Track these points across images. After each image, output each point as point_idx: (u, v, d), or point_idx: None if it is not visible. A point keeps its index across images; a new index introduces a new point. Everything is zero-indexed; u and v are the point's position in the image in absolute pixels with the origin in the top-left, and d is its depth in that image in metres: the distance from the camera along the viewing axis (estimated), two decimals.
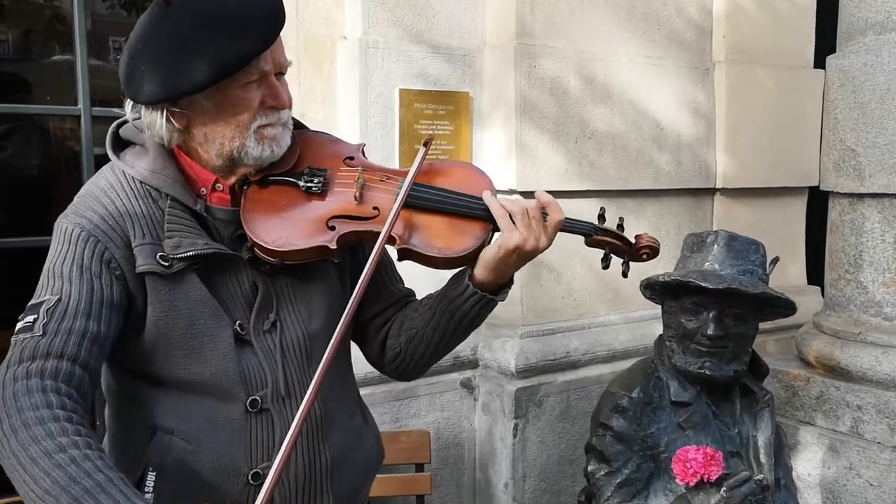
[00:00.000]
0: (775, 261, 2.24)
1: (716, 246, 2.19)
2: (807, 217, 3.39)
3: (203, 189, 1.30)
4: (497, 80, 2.61)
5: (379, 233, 1.28)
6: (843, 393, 2.52)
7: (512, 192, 2.61)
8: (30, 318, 1.16)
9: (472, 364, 2.68)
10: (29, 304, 1.19)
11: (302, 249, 1.28)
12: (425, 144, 1.42)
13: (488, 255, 1.32)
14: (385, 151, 2.49)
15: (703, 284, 2.08)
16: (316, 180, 1.33)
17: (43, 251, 1.26)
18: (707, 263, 2.17)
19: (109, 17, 3.60)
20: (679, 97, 2.91)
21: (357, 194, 1.32)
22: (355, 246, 1.38)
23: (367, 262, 1.27)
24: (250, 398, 1.27)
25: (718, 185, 3.03)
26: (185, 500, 1.23)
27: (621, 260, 1.48)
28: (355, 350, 1.53)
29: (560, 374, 2.65)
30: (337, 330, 1.19)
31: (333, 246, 1.28)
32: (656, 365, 2.25)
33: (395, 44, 2.49)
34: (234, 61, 1.19)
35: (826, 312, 2.70)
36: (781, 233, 3.22)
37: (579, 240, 2.74)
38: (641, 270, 2.00)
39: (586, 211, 2.67)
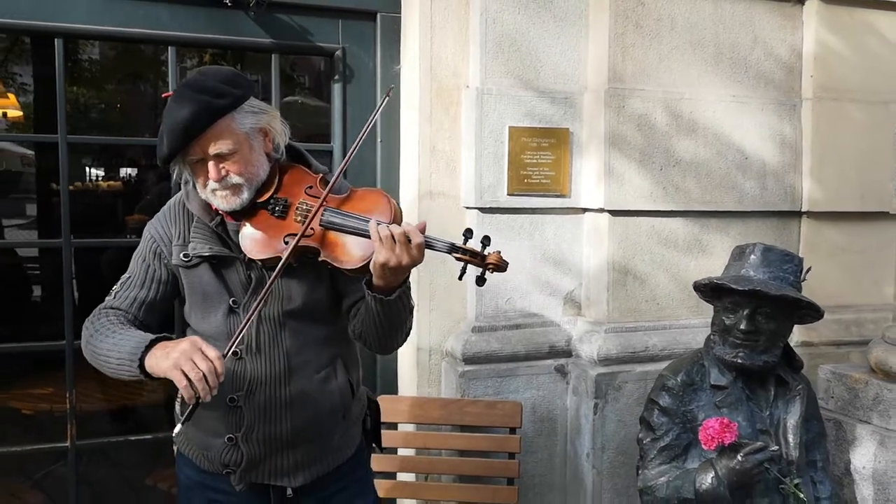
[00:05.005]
0: (807, 270, 2.61)
1: (753, 256, 2.60)
2: None
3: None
4: (592, 118, 3.15)
5: (314, 247, 1.87)
6: (895, 394, 2.79)
7: (602, 210, 3.12)
8: (115, 287, 2.03)
9: (567, 353, 3.20)
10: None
11: (267, 258, 1.90)
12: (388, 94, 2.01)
13: (372, 266, 1.80)
14: (495, 176, 3.09)
15: (732, 286, 2.51)
16: (278, 207, 1.92)
17: None
18: (743, 270, 2.59)
19: None
20: (764, 130, 3.29)
21: (298, 218, 1.90)
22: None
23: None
24: (234, 349, 1.91)
25: (804, 209, 3.36)
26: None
27: (479, 270, 1.87)
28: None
29: (639, 366, 3.11)
30: (260, 295, 1.83)
31: (284, 256, 1.83)
32: (702, 354, 2.69)
33: (507, 90, 3.09)
34: (163, 156, 1.87)
35: (890, 324, 2.97)
36: (877, 255, 3.47)
37: (664, 253, 3.28)
38: None
39: (669, 228, 3.14)
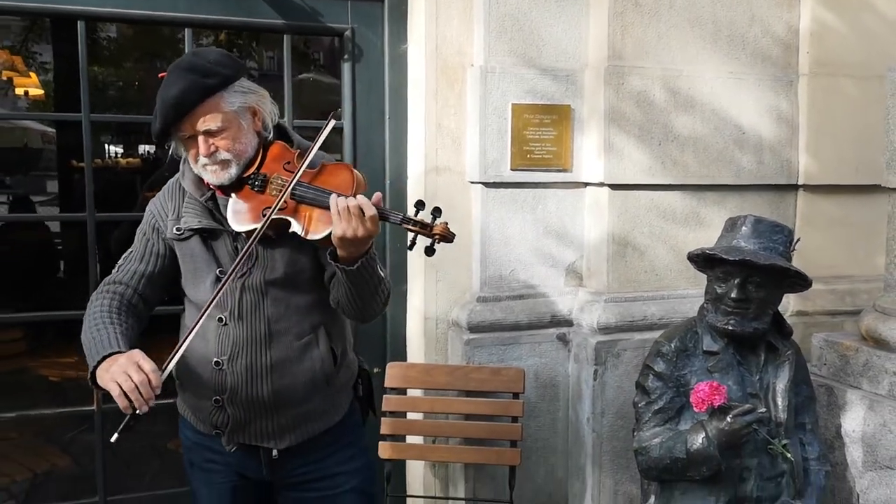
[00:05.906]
0: (797, 241, 2.71)
1: (744, 227, 2.69)
2: None
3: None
4: (593, 95, 3.25)
5: (286, 219, 1.98)
6: (884, 361, 2.90)
7: (602, 184, 3.23)
8: (119, 261, 2.16)
9: (569, 323, 3.33)
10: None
11: (248, 230, 2.01)
12: (333, 118, 2.07)
13: (332, 238, 1.89)
14: (499, 152, 3.21)
15: (724, 256, 2.61)
16: (257, 182, 2.03)
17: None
18: (735, 241, 2.69)
19: None
20: (762, 106, 3.38)
21: (273, 192, 2.02)
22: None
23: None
24: (219, 315, 2.06)
25: (800, 182, 3.46)
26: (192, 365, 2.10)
27: (429, 240, 1.96)
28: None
29: (637, 334, 3.23)
30: (231, 267, 1.98)
31: (258, 228, 1.94)
32: (696, 322, 2.80)
33: (510, 68, 3.20)
34: (156, 131, 2.00)
35: (882, 294, 3.08)
36: (870, 227, 3.55)
37: (663, 225, 3.39)
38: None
39: (668, 202, 3.24)
